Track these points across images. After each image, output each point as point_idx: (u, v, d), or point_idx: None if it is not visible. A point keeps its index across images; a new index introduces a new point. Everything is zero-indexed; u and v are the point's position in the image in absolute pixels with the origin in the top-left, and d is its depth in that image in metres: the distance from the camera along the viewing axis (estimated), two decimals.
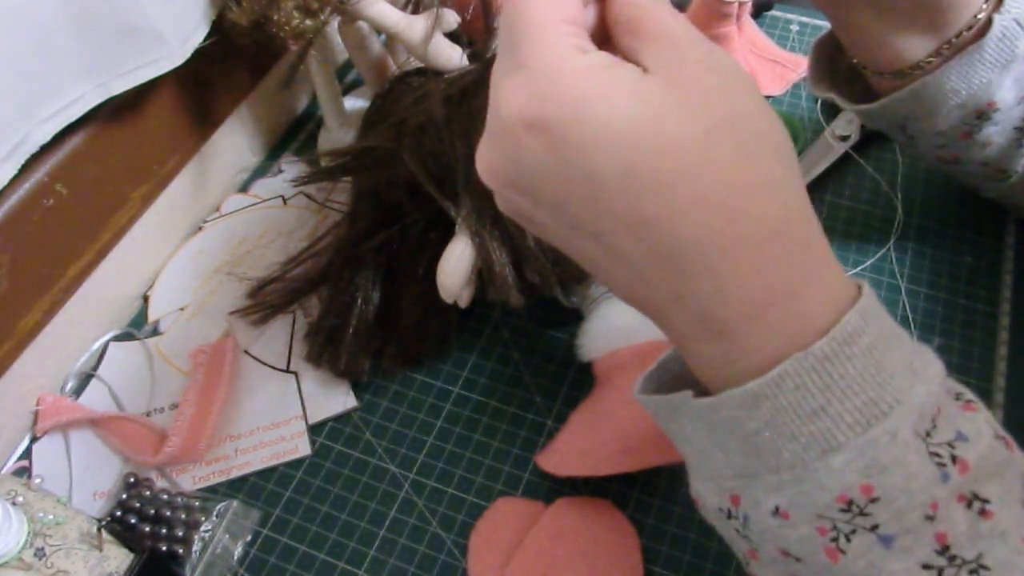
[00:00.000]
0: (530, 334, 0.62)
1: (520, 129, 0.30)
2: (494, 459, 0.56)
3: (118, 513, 0.52)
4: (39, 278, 0.55)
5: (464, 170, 0.52)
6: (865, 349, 0.30)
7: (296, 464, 0.57)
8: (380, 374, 0.60)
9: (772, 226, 0.30)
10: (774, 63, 0.77)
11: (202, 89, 0.64)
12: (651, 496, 0.54)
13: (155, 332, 0.64)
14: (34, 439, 0.58)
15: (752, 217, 0.30)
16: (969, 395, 0.34)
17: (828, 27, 0.56)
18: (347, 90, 0.77)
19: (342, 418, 0.59)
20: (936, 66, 0.50)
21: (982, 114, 0.51)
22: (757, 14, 0.80)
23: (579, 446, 0.52)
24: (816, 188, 0.68)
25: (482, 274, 0.53)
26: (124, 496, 0.53)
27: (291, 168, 0.73)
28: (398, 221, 0.58)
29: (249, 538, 0.54)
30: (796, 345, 0.30)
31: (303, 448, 0.57)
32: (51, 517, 0.48)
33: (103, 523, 0.49)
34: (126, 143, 0.59)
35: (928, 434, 0.31)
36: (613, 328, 0.54)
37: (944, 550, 0.30)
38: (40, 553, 0.46)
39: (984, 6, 0.49)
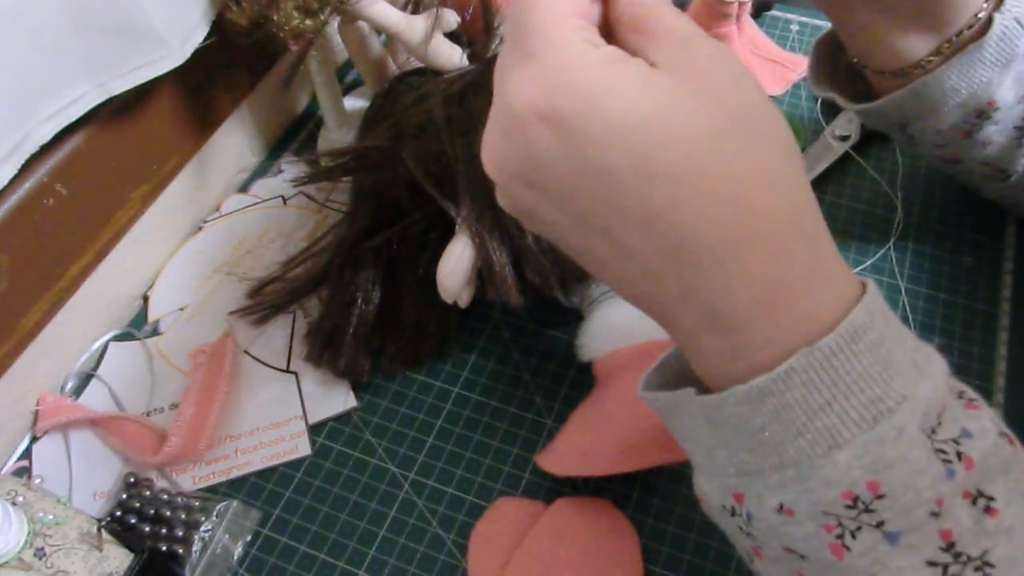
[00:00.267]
0: (530, 334, 0.62)
1: (532, 121, 0.30)
2: (494, 459, 0.56)
3: (118, 513, 0.52)
4: (39, 278, 0.55)
5: (464, 170, 0.52)
6: (871, 345, 0.30)
7: (296, 464, 0.57)
8: (380, 374, 0.60)
9: (783, 221, 0.30)
10: (774, 63, 0.77)
11: (202, 89, 0.64)
12: (651, 496, 0.54)
13: (155, 332, 0.64)
14: (34, 439, 0.58)
15: (763, 212, 0.30)
16: (972, 393, 0.34)
17: (828, 27, 0.56)
18: (347, 90, 0.77)
19: (342, 418, 0.59)
20: (936, 65, 0.50)
21: (982, 113, 0.51)
22: (757, 14, 0.80)
23: (579, 446, 0.52)
24: (816, 188, 0.68)
25: (482, 274, 0.53)
26: (124, 496, 0.53)
27: (291, 168, 0.73)
28: (398, 221, 0.58)
29: (249, 538, 0.54)
30: (802, 342, 0.30)
31: (303, 448, 0.57)
32: (51, 517, 0.48)
33: (103, 523, 0.49)
34: (126, 143, 0.59)
35: (933, 431, 0.31)
36: (613, 328, 0.54)
37: (949, 547, 0.30)
38: (40, 553, 0.46)
39: (984, 5, 0.49)
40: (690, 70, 0.30)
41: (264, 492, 0.56)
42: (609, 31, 0.33)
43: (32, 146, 0.52)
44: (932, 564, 0.30)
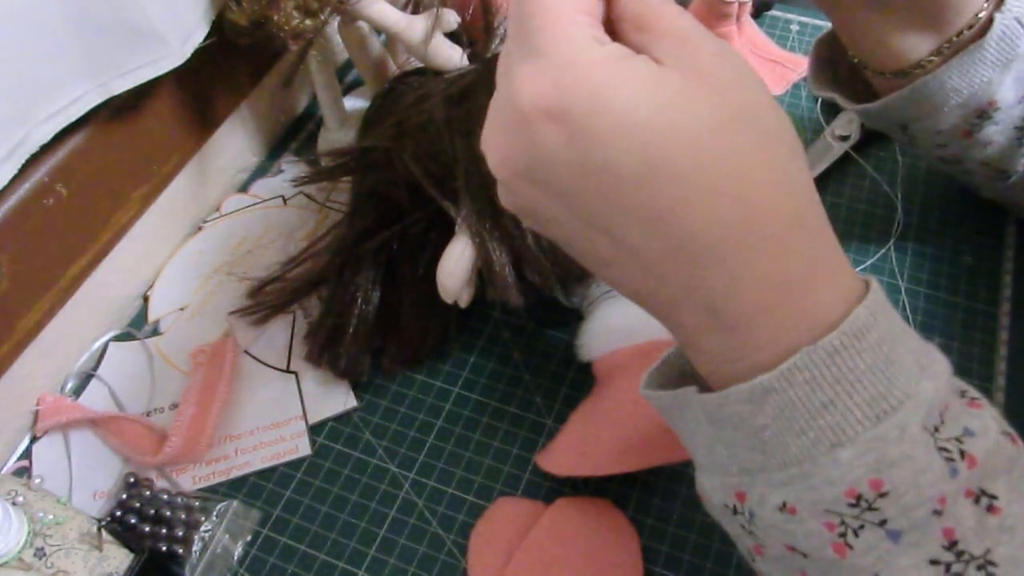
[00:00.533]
0: (530, 334, 0.62)
1: (538, 117, 0.30)
2: (494, 459, 0.56)
3: (118, 513, 0.52)
4: (39, 278, 0.55)
5: (464, 170, 0.52)
6: (875, 343, 0.30)
7: (296, 464, 0.57)
8: (380, 374, 0.60)
9: (787, 219, 0.30)
10: (774, 63, 0.77)
11: (202, 89, 0.64)
12: (651, 496, 0.54)
13: (155, 332, 0.64)
14: (34, 439, 0.58)
15: (768, 209, 0.30)
16: (973, 392, 0.34)
17: (828, 27, 0.56)
18: (347, 90, 0.77)
19: (342, 418, 0.58)
20: (937, 65, 0.50)
21: (983, 113, 0.51)
22: (757, 14, 0.80)
23: (579, 446, 0.52)
24: (816, 188, 0.68)
25: (482, 274, 0.53)
26: (124, 496, 0.53)
27: (291, 168, 0.73)
28: (398, 221, 0.58)
29: (249, 538, 0.54)
30: (805, 340, 0.30)
31: (303, 448, 0.57)
32: (51, 517, 0.48)
33: (103, 523, 0.49)
34: (126, 143, 0.59)
35: (936, 429, 0.31)
36: (613, 328, 0.54)
37: (952, 545, 0.30)
38: (40, 553, 0.46)
39: (985, 5, 0.49)
40: (694, 68, 0.30)
41: (264, 492, 0.56)
42: (611, 29, 0.33)
43: (32, 146, 0.51)
44: (935, 563, 0.30)
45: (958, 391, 0.33)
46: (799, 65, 0.76)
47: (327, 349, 0.59)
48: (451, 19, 0.60)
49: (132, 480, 0.54)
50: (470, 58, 0.60)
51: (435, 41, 0.58)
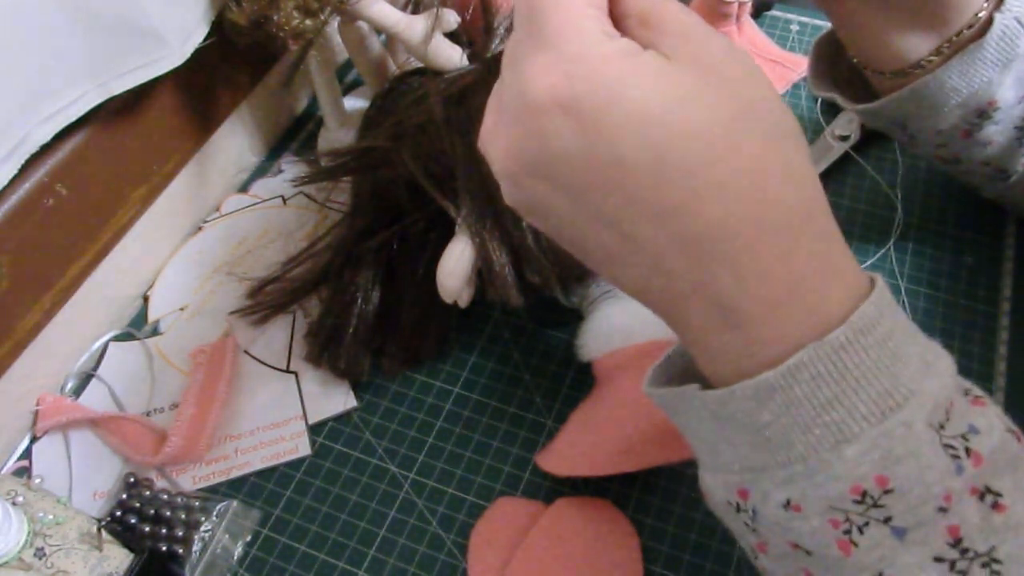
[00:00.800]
0: (530, 334, 0.62)
1: (550, 108, 0.30)
2: (494, 459, 0.56)
3: (118, 513, 0.52)
4: (39, 278, 0.55)
5: (464, 170, 0.52)
6: (880, 340, 0.30)
7: (296, 464, 0.57)
8: (380, 374, 0.60)
9: (796, 214, 0.30)
10: (774, 63, 0.77)
11: (202, 89, 0.64)
12: (651, 496, 0.54)
13: (155, 332, 0.64)
14: (34, 439, 0.58)
15: (778, 205, 0.30)
16: (977, 391, 0.34)
17: (828, 27, 0.56)
18: (347, 90, 0.77)
19: (342, 418, 0.58)
20: (937, 65, 0.50)
21: (983, 113, 0.51)
22: (757, 14, 0.81)
23: (579, 446, 0.52)
24: None
25: (482, 274, 0.53)
26: (124, 496, 0.53)
27: (291, 168, 0.73)
28: (398, 221, 0.58)
29: (249, 538, 0.53)
30: (811, 336, 0.30)
31: (303, 448, 0.57)
32: (51, 517, 0.48)
33: (103, 523, 0.49)
34: (126, 143, 0.59)
35: (942, 426, 0.31)
36: (613, 328, 0.54)
37: (956, 543, 0.30)
38: (40, 553, 0.46)
39: (985, 5, 0.49)
40: (704, 64, 0.30)
41: (264, 492, 0.56)
42: (616, 25, 0.33)
43: (32, 146, 0.51)
44: (939, 560, 0.30)
45: (962, 389, 0.33)
46: (799, 65, 0.76)
47: (327, 349, 0.59)
48: (451, 19, 0.60)
49: (132, 480, 0.54)
50: (470, 58, 0.60)
51: (435, 41, 0.58)
